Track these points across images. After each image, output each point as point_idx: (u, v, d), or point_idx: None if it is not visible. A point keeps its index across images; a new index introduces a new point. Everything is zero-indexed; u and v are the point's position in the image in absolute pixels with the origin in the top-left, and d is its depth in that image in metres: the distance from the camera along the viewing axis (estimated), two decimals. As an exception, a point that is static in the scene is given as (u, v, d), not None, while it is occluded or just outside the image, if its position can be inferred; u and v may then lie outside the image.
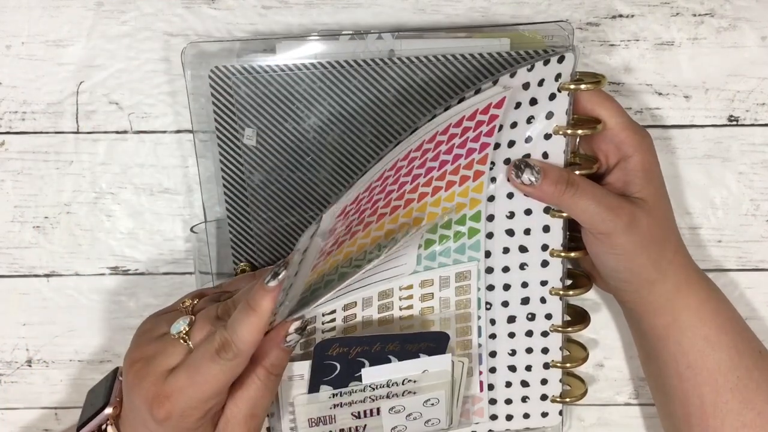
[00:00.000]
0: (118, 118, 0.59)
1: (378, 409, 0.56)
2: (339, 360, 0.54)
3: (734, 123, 0.58)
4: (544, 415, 0.60)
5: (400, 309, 0.55)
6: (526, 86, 0.51)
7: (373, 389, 0.55)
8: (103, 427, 0.49)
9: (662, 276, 0.53)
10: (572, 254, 0.55)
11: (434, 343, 0.55)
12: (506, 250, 0.56)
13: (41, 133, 0.59)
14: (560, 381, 0.59)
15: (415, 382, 0.55)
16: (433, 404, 0.56)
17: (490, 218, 0.55)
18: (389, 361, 0.54)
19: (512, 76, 0.50)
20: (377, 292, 0.54)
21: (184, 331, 0.47)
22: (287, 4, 0.56)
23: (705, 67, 0.57)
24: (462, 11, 0.56)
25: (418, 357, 0.54)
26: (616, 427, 0.65)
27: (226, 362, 0.45)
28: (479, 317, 0.57)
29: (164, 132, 0.59)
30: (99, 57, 0.57)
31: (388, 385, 0.55)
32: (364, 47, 0.52)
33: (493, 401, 0.60)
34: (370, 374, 0.54)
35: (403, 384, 0.55)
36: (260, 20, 0.57)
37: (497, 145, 0.52)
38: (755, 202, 0.60)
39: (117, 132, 0.59)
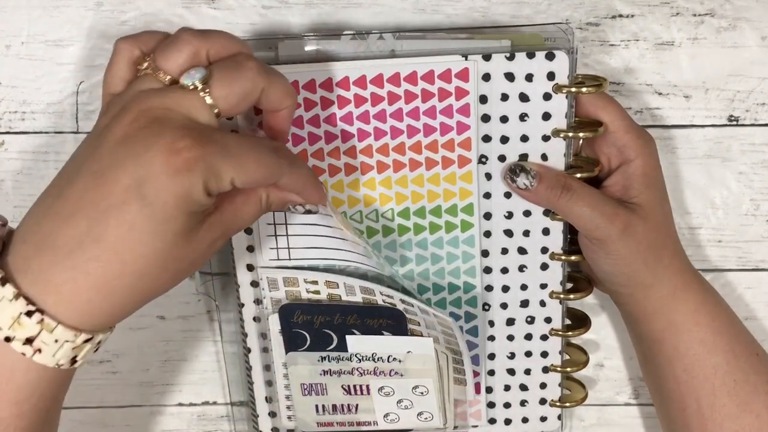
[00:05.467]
0: (118, 118, 0.58)
1: (368, 387, 0.56)
2: (307, 330, 0.55)
3: (734, 123, 0.58)
4: (543, 419, 0.60)
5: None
6: (509, 77, 0.51)
7: (360, 360, 0.56)
8: None
9: (658, 280, 0.53)
10: (572, 258, 0.55)
11: (392, 320, 0.54)
12: (505, 251, 0.56)
13: (41, 133, 0.59)
14: (559, 385, 0.59)
15: (400, 362, 0.56)
16: (422, 393, 0.57)
17: (487, 216, 0.55)
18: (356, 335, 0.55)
19: (486, 59, 0.51)
20: (359, 285, 0.54)
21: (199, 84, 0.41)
22: (287, 4, 0.56)
23: (705, 67, 0.57)
24: (462, 11, 0.56)
25: (382, 334, 0.55)
26: (616, 427, 0.65)
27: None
28: (476, 316, 0.57)
29: (164, 132, 0.59)
30: (99, 57, 0.57)
31: (374, 359, 0.56)
32: (365, 47, 0.52)
33: (491, 404, 0.60)
34: (355, 342, 0.55)
35: (388, 361, 0.56)
36: (260, 20, 0.57)
37: (487, 138, 0.53)
38: (755, 202, 0.60)
39: (117, 132, 0.59)
